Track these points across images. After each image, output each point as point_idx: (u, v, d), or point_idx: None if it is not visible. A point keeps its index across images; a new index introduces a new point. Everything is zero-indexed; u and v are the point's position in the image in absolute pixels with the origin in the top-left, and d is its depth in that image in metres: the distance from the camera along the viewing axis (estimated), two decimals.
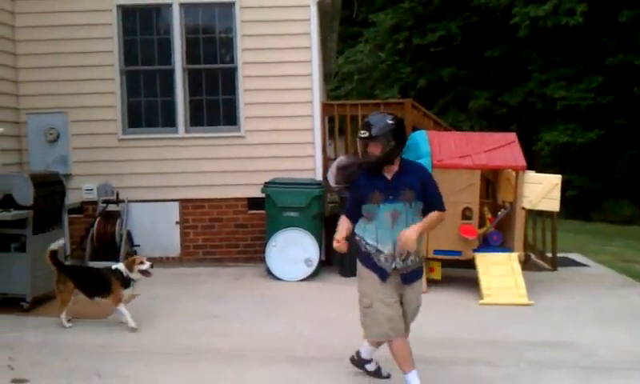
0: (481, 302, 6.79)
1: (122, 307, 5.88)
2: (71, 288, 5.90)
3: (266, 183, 8.31)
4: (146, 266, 5.90)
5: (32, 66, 9.11)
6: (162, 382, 4.61)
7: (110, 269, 5.99)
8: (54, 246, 5.94)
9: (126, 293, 5.92)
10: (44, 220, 6.68)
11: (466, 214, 7.22)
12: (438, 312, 6.46)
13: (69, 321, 5.97)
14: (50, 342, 5.54)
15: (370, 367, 4.54)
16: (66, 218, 7.72)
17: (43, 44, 9.07)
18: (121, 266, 5.99)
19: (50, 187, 6.89)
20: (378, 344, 4.35)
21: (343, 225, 4.24)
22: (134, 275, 5.89)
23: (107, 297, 5.91)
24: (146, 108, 9.29)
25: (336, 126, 9.41)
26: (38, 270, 6.54)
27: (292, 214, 8.13)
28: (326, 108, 9.51)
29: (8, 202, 6.44)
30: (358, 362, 4.57)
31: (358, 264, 4.20)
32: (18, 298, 6.50)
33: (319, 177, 8.88)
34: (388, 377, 4.51)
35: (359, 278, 4.19)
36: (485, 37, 20.10)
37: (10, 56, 8.99)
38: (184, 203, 9.21)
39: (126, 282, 5.87)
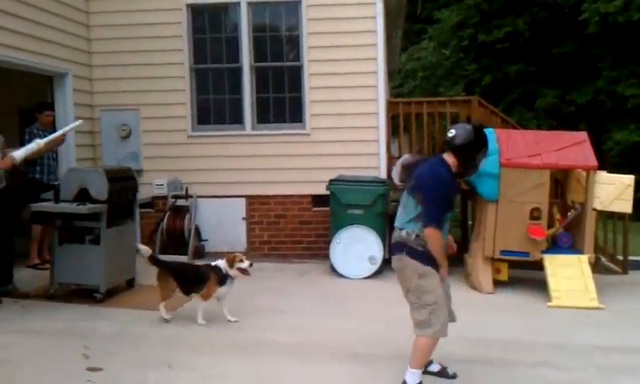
0: (549, 304, 6.66)
1: (203, 304, 5.95)
2: (173, 285, 5.98)
3: (330, 181, 8.35)
4: (246, 264, 5.90)
5: (105, 63, 9.40)
6: (230, 374, 4.69)
7: (209, 265, 6.04)
8: (144, 251, 6.06)
9: (222, 290, 5.95)
10: (117, 214, 6.85)
11: (534, 215, 7.09)
12: (504, 313, 6.40)
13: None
14: (123, 333, 5.70)
15: (434, 368, 4.47)
16: (137, 212, 7.92)
17: (116, 42, 9.37)
18: (221, 262, 5.97)
19: (124, 182, 7.06)
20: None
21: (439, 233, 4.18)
22: (233, 272, 5.91)
23: (201, 292, 5.97)
24: (214, 105, 9.47)
25: (401, 124, 9.37)
26: (111, 262, 6.77)
27: (356, 211, 8.14)
28: (390, 106, 9.48)
29: (83, 195, 6.63)
30: None
31: (416, 263, 4.16)
32: (92, 289, 6.68)
33: (383, 175, 8.86)
34: (454, 377, 4.47)
35: (421, 276, 4.17)
36: (553, 33, 19.57)
37: (85, 54, 9.31)
38: (250, 199, 9.35)
39: (223, 279, 5.90)
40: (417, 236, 4.18)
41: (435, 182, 4.15)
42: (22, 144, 8.07)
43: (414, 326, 4.25)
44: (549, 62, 19.95)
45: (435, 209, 4.12)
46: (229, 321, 5.94)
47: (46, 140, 6.84)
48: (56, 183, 7.06)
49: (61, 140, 8.01)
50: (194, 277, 6.02)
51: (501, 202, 7.12)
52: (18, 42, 7.68)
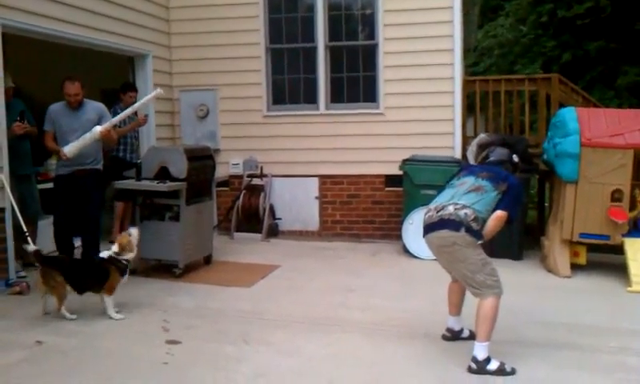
0: (629, 289, 6.45)
1: (111, 298, 5.51)
2: (63, 284, 5.34)
3: (404, 160, 8.31)
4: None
5: (184, 44, 9.61)
6: (304, 350, 4.76)
7: (104, 259, 5.57)
8: (30, 248, 5.59)
9: (122, 281, 5.60)
10: (196, 192, 7.03)
11: (615, 196, 6.85)
12: (583, 298, 6.25)
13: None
14: (200, 307, 5.86)
15: (492, 366, 4.30)
16: (214, 190, 8.10)
17: (194, 23, 9.54)
18: (110, 251, 5.59)
19: (202, 161, 7.21)
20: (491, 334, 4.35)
21: None
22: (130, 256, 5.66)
23: (102, 291, 5.52)
24: (289, 85, 9.53)
25: (477, 103, 9.20)
26: (190, 239, 6.95)
27: (430, 191, 8.00)
28: (467, 84, 9.33)
29: (164, 174, 6.82)
30: (478, 367, 4.30)
31: (473, 239, 4.31)
32: (171, 265, 6.88)
33: (458, 155, 8.74)
34: (513, 372, 4.31)
35: (477, 248, 4.36)
36: (636, 8, 18.75)
37: (165, 35, 9.53)
38: (323, 179, 9.40)
39: (124, 270, 5.57)
40: (476, 217, 4.32)
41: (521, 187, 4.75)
42: None
43: (479, 289, 4.37)
44: (631, 39, 19.15)
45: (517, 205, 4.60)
46: (111, 318, 5.46)
47: (105, 126, 6.36)
48: (138, 162, 7.28)
49: (143, 121, 8.31)
50: (89, 273, 5.58)
51: (580, 183, 6.92)
52: (100, 24, 7.92)
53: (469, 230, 4.28)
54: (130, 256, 5.64)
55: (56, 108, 6.45)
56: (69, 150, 6.25)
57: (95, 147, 6.49)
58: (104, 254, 5.61)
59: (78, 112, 6.40)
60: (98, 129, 6.26)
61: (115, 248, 5.58)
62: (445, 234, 4.37)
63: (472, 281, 4.37)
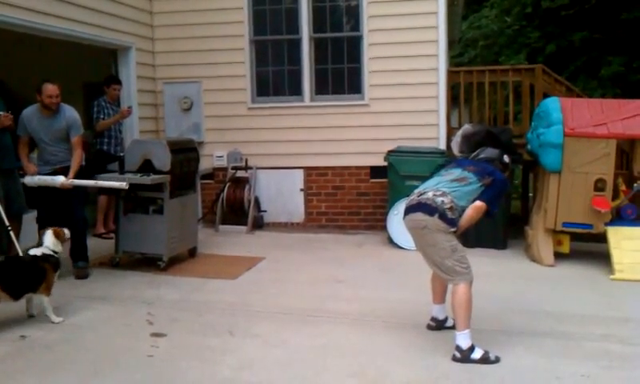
0: (611, 277, 6.50)
1: (47, 298, 5.11)
2: None
3: (389, 151, 8.31)
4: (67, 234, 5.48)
5: (167, 36, 9.55)
6: (291, 341, 4.76)
7: (37, 256, 5.12)
8: None
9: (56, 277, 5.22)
10: (180, 184, 6.98)
11: (598, 186, 6.90)
12: (566, 286, 6.29)
13: None
14: (185, 300, 5.84)
15: (476, 355, 4.32)
16: (198, 183, 8.07)
17: (178, 15, 9.49)
18: (47, 244, 5.21)
19: (186, 154, 7.16)
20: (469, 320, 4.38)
21: None
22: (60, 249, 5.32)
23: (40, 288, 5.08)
24: (273, 77, 9.50)
25: (461, 94, 9.21)
26: (174, 232, 6.92)
27: (415, 182, 7.94)
28: (451, 75, 9.34)
29: (147, 167, 6.76)
30: (463, 356, 4.33)
31: (447, 225, 4.36)
32: (155, 258, 6.85)
33: (443, 146, 8.76)
34: (497, 361, 4.32)
35: (448, 234, 4.39)
36: None
37: (148, 27, 9.46)
38: (308, 171, 9.40)
39: (57, 265, 5.21)
40: (453, 206, 4.38)
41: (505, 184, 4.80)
42: (90, 117, 8.36)
43: (449, 275, 4.44)
44: (615, 29, 19.26)
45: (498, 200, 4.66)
46: (53, 322, 5.09)
47: (68, 180, 6.26)
48: (121, 154, 7.23)
49: (127, 113, 8.28)
50: (23, 275, 5.03)
51: (564, 172, 6.96)
52: (83, 16, 7.85)
53: (442, 217, 4.33)
54: (59, 248, 5.30)
55: (28, 113, 6.44)
56: (28, 181, 6.36)
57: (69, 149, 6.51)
58: (36, 251, 5.16)
59: (50, 119, 6.38)
60: (60, 180, 6.25)
61: (50, 239, 5.22)
62: (418, 216, 4.44)
63: (441, 266, 4.45)
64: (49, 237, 5.25)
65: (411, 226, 4.56)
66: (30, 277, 5.02)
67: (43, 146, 6.48)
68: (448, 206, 4.36)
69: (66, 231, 5.49)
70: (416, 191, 4.65)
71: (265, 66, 9.48)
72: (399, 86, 8.98)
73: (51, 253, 5.18)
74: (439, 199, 4.39)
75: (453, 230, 4.38)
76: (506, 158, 4.94)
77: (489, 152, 4.93)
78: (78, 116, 6.54)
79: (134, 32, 9.02)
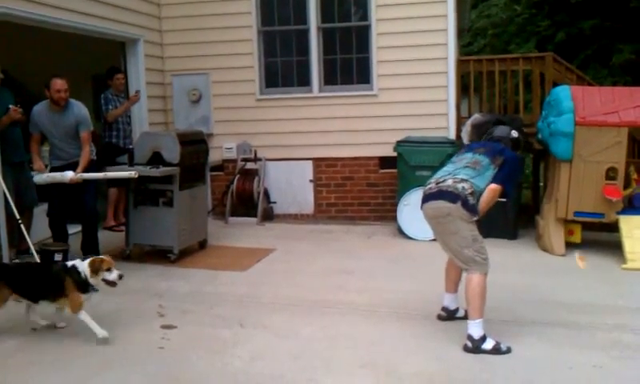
0: (623, 266, 6.46)
1: (80, 316, 4.61)
2: (6, 292, 4.63)
3: (398, 142, 8.27)
4: (114, 275, 4.60)
5: (175, 28, 9.52)
6: (301, 332, 4.76)
7: (64, 266, 4.74)
8: None
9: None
10: (189, 177, 6.98)
11: (610, 174, 6.84)
12: (578, 276, 6.26)
13: None
14: (196, 292, 5.85)
15: (487, 345, 4.31)
16: (208, 175, 8.07)
17: (185, 7, 9.46)
18: (81, 265, 4.62)
19: (195, 146, 7.16)
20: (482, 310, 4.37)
21: None
22: (95, 282, 4.60)
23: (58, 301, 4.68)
24: (281, 68, 9.47)
25: (471, 83, 9.15)
26: (184, 224, 6.92)
27: (424, 173, 8.00)
28: (461, 64, 9.28)
29: (156, 159, 6.78)
30: (474, 346, 4.31)
31: (468, 213, 4.34)
32: (166, 250, 6.86)
33: (452, 135, 8.72)
34: (509, 351, 4.30)
35: (470, 223, 4.38)
36: None
37: (156, 19, 9.44)
38: (317, 162, 9.38)
39: (83, 286, 4.59)
40: (473, 192, 4.37)
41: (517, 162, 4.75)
42: (98, 110, 8.38)
43: (466, 264, 4.42)
44: (625, 17, 19.09)
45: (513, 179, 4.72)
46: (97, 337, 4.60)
47: (76, 175, 6.26)
48: (131, 147, 7.24)
49: (136, 98, 8.32)
50: (42, 280, 4.74)
51: (575, 161, 6.91)
52: (91, 9, 7.84)
53: (465, 204, 4.31)
54: (92, 281, 4.61)
55: (38, 109, 6.45)
56: (37, 179, 6.39)
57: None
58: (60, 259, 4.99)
59: (60, 114, 6.38)
60: (69, 175, 6.26)
61: (83, 266, 4.61)
62: (441, 204, 4.41)
63: (460, 255, 4.42)
64: (84, 264, 4.63)
65: (432, 215, 4.53)
66: (47, 284, 4.68)
67: (54, 141, 6.49)
68: (469, 191, 4.35)
69: (112, 272, 4.65)
70: (433, 179, 4.62)
71: (273, 57, 9.45)
72: (408, 76, 8.93)
73: (78, 272, 4.59)
74: (460, 185, 4.38)
75: (475, 218, 4.37)
76: (514, 133, 4.91)
77: (498, 130, 4.96)
78: (87, 112, 6.54)
79: (142, 24, 9.00)
